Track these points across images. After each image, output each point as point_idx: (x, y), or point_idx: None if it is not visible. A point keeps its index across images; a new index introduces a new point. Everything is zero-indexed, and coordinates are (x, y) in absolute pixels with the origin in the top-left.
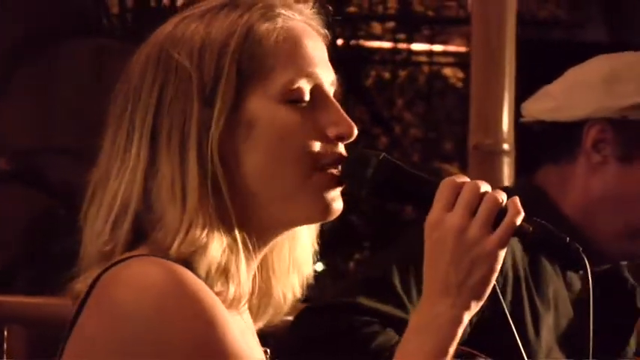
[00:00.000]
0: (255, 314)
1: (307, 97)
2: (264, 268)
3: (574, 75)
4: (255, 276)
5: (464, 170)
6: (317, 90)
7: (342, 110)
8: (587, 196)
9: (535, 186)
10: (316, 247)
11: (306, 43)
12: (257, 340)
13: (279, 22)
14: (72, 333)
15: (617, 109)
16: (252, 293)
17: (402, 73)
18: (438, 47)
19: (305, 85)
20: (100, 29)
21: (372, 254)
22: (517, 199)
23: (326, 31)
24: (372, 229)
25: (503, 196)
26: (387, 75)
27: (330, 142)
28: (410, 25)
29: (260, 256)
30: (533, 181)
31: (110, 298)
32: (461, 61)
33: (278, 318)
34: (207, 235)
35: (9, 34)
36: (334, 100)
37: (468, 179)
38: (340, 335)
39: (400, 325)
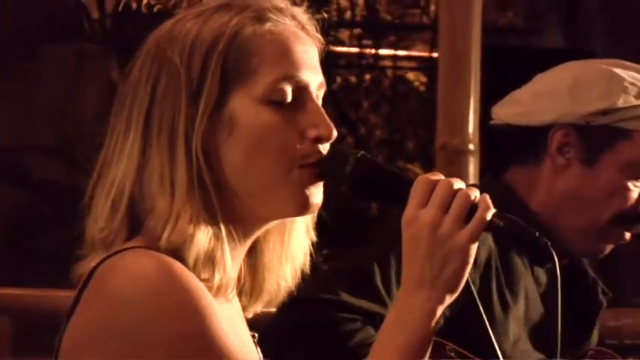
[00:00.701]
0: (249, 301)
1: (289, 99)
2: (257, 257)
3: (541, 82)
4: (243, 264)
5: (426, 170)
6: (300, 92)
7: (323, 113)
8: (552, 196)
9: (504, 185)
10: (314, 238)
11: (292, 47)
12: (246, 325)
13: (268, 25)
14: (69, 321)
15: (581, 115)
16: (241, 281)
17: (368, 77)
18: (401, 52)
19: (288, 87)
20: (81, 33)
21: (341, 249)
22: (487, 195)
23: (319, 35)
24: (339, 225)
25: (475, 193)
26: (353, 79)
27: (309, 142)
28: (376, 32)
29: (246, 246)
30: (501, 180)
31: (105, 288)
32: (423, 66)
33: (273, 305)
34: (194, 225)
35: None
36: (317, 103)
37: (442, 177)
38: (322, 330)
39: (380, 322)
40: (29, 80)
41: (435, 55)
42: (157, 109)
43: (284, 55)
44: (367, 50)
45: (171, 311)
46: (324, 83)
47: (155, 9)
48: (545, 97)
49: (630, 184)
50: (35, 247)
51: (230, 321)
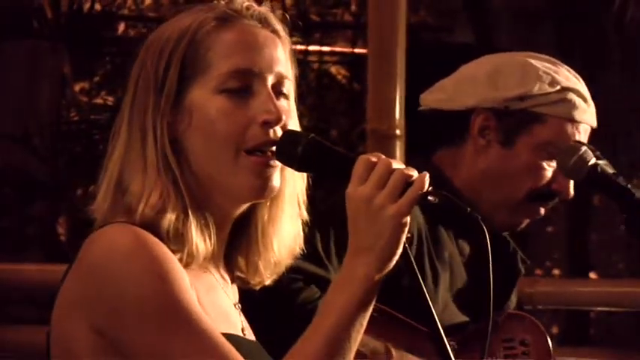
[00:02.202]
0: (247, 276)
1: (241, 87)
2: (250, 236)
3: (464, 71)
4: (239, 239)
5: None
6: (253, 82)
7: (273, 99)
8: (474, 174)
9: (431, 166)
10: (305, 217)
11: (245, 41)
12: (229, 295)
13: (224, 24)
14: (60, 288)
15: (499, 100)
16: (234, 258)
17: (296, 71)
18: (326, 48)
19: (239, 77)
20: (36, 31)
21: None
22: (426, 174)
23: (284, 32)
24: None
25: (413, 173)
26: None
27: (258, 127)
28: (303, 29)
29: (225, 224)
30: (429, 161)
31: (85, 257)
32: (345, 60)
33: (276, 272)
34: (163, 201)
35: None
36: (268, 91)
37: (382, 157)
38: (269, 292)
39: (321, 282)
40: None
41: (357, 50)
42: (135, 106)
43: (237, 48)
44: (296, 47)
45: (140, 276)
46: (287, 76)
47: (105, 9)
48: (467, 85)
49: (544, 164)
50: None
51: (207, 289)
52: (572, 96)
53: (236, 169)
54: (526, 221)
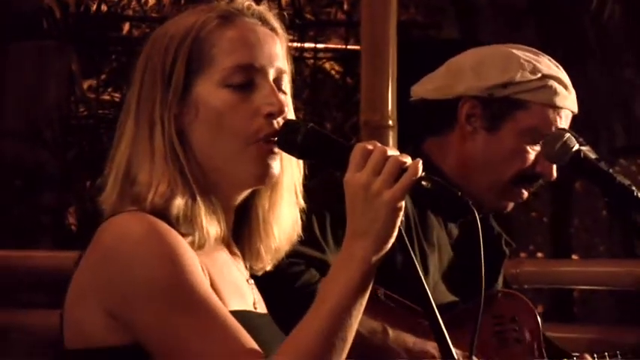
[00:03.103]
0: (252, 260)
1: (244, 82)
2: (251, 223)
3: (451, 63)
4: (241, 225)
5: None
6: (255, 76)
7: (275, 92)
8: (461, 160)
9: (421, 154)
10: (302, 203)
11: (247, 38)
12: (241, 271)
13: (226, 22)
14: (74, 272)
15: (484, 88)
16: (243, 242)
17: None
18: (320, 45)
19: (242, 71)
20: (42, 31)
21: None
22: (420, 161)
23: (282, 30)
24: None
25: (407, 159)
26: None
27: (262, 118)
28: (299, 27)
29: (229, 209)
30: (419, 150)
31: (98, 243)
32: (338, 56)
33: (276, 258)
34: (172, 190)
35: None
36: (270, 84)
37: (378, 145)
38: (272, 276)
39: (320, 264)
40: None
41: (349, 47)
42: (142, 98)
43: (239, 45)
44: (291, 44)
45: (151, 261)
46: (286, 70)
47: (110, 10)
48: (454, 75)
49: (528, 148)
50: (9, 216)
51: (220, 267)
52: (553, 83)
53: (241, 158)
54: (511, 204)
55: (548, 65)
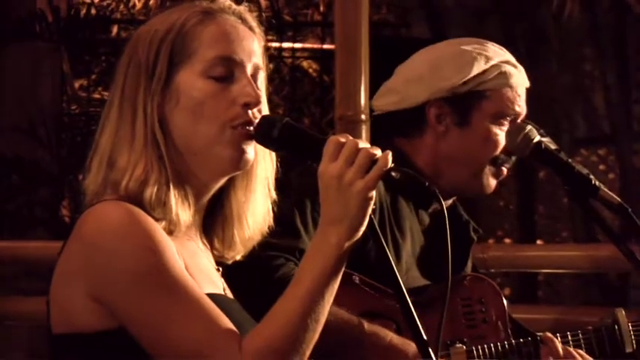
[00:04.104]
0: (224, 249)
1: (224, 74)
2: (225, 212)
3: (406, 70)
4: (215, 214)
5: None
6: (234, 68)
7: (252, 83)
8: (437, 158)
9: (394, 149)
10: (274, 195)
11: (228, 33)
12: (210, 260)
13: (208, 18)
14: (58, 260)
15: (445, 89)
16: (215, 230)
17: (271, 66)
18: (298, 45)
19: (222, 63)
20: (36, 34)
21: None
22: (389, 153)
23: (258, 29)
24: None
25: (377, 151)
26: None
27: (239, 107)
28: (277, 28)
29: (203, 197)
30: (392, 145)
31: (79, 233)
32: (315, 56)
33: (247, 247)
34: (146, 174)
35: None
36: (247, 76)
37: (350, 137)
38: (254, 267)
39: (300, 254)
40: None
41: (325, 46)
42: (126, 89)
43: (219, 39)
44: (271, 44)
45: (131, 249)
46: (262, 67)
47: (99, 13)
48: (414, 83)
49: (497, 131)
50: (6, 209)
51: (192, 254)
52: (503, 66)
53: (218, 141)
54: (494, 183)
55: (495, 51)
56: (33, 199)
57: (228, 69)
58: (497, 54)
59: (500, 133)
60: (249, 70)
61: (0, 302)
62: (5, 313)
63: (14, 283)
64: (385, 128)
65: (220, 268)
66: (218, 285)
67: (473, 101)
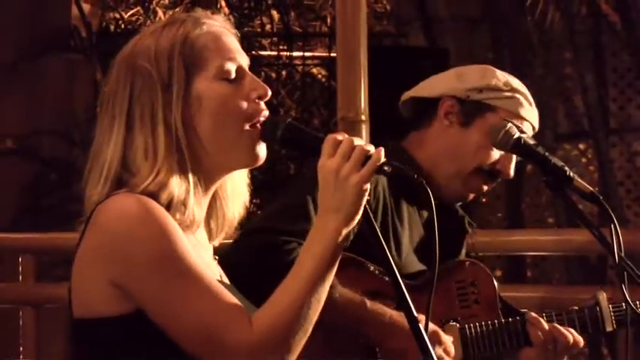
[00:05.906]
0: (217, 232)
1: (234, 75)
2: (217, 200)
3: (436, 74)
4: (210, 206)
5: None
6: (239, 68)
7: (256, 79)
8: (435, 150)
9: (400, 147)
10: (247, 193)
11: (225, 39)
12: (209, 251)
13: (205, 28)
14: (77, 251)
15: (462, 89)
16: (209, 218)
17: (284, 73)
18: (308, 53)
19: (231, 66)
20: (71, 47)
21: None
22: (382, 149)
23: (235, 30)
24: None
25: (371, 148)
26: (273, 74)
27: (253, 102)
28: (289, 39)
29: (210, 192)
30: (399, 144)
31: (96, 223)
32: (323, 63)
33: (230, 232)
34: (168, 177)
35: (4, 51)
36: (251, 74)
37: (346, 136)
38: (266, 251)
39: None
40: (36, 82)
41: (332, 54)
42: (136, 104)
43: (222, 45)
44: (283, 53)
45: (147, 236)
46: (249, 63)
47: (127, 28)
48: (439, 79)
49: (491, 146)
50: (45, 204)
51: (195, 247)
52: (520, 96)
53: (241, 140)
54: (471, 195)
55: (518, 83)
56: (68, 194)
57: (235, 70)
58: (520, 86)
59: (493, 150)
60: (246, 68)
61: (40, 288)
62: (45, 298)
63: (52, 271)
64: (402, 116)
65: (217, 257)
66: (216, 273)
67: (480, 110)
